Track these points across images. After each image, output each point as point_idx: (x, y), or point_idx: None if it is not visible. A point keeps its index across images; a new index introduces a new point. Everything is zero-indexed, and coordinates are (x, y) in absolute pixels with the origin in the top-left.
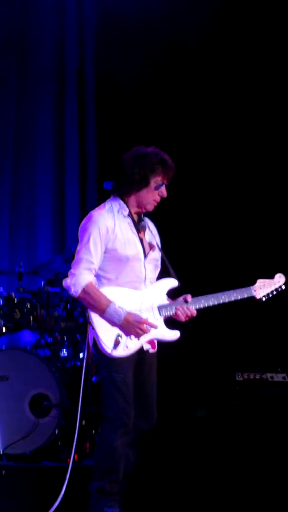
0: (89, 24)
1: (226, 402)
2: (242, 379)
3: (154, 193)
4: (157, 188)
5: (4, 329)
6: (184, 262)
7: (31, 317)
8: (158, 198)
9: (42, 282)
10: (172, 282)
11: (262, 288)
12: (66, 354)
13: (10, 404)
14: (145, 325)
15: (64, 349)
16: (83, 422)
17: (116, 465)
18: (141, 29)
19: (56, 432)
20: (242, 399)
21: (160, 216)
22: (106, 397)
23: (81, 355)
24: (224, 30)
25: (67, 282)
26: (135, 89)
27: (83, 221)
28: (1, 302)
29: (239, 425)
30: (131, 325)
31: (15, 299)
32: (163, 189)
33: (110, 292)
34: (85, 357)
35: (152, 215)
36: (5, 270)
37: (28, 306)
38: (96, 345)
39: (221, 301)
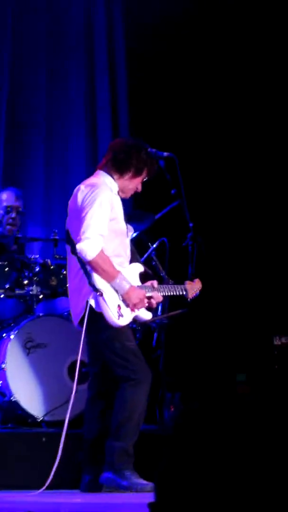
0: None
1: (265, 366)
2: (280, 343)
3: (137, 185)
4: (142, 181)
5: (41, 296)
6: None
7: (67, 284)
8: (135, 190)
9: None
10: (140, 267)
11: (190, 291)
12: None
13: (49, 371)
14: (145, 299)
15: None
16: None
17: (139, 424)
18: None
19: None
20: (281, 363)
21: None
22: (127, 365)
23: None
24: None
25: (81, 246)
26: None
27: (87, 188)
28: (37, 269)
29: (279, 388)
30: (134, 298)
31: (51, 266)
32: (140, 184)
33: None
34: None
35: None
36: (41, 237)
37: (65, 273)
38: (98, 318)
39: (167, 293)
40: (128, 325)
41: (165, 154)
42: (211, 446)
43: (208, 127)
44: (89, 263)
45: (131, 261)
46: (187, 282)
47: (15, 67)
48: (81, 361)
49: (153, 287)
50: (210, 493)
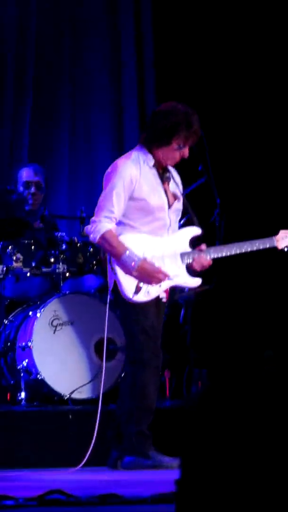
0: None
1: None
2: None
3: (174, 152)
4: (178, 149)
5: (67, 274)
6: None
7: (94, 261)
8: (178, 158)
9: None
10: (195, 230)
11: (285, 239)
12: None
13: (75, 349)
14: (161, 274)
15: None
16: None
17: (152, 407)
18: None
19: (122, 375)
20: None
21: None
22: (135, 343)
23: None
24: None
25: (88, 228)
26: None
27: (108, 170)
28: (64, 247)
29: None
30: (145, 273)
31: (78, 244)
32: (185, 151)
33: (132, 238)
34: (108, 301)
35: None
36: (66, 215)
37: (91, 251)
38: (118, 291)
39: (243, 250)
40: (151, 301)
41: None
42: (235, 421)
43: (237, 102)
44: (96, 244)
45: (189, 219)
46: (281, 231)
47: (38, 48)
48: (108, 338)
49: (200, 250)
50: (235, 469)
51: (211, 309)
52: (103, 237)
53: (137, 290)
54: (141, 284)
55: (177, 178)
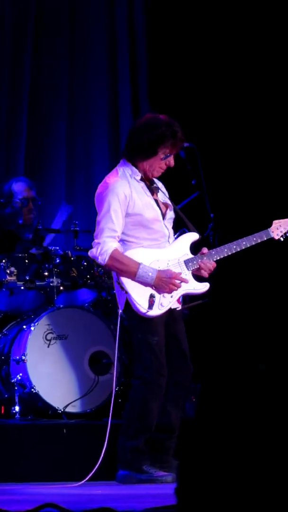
0: None
1: (286, 356)
2: None
3: (161, 163)
4: (164, 158)
5: (61, 288)
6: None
7: (88, 275)
8: (164, 167)
9: None
10: (193, 236)
11: (279, 228)
12: None
13: (69, 363)
14: (177, 280)
15: None
16: None
17: (151, 425)
18: None
19: (116, 389)
20: None
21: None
22: (141, 360)
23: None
24: None
25: (92, 252)
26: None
27: (99, 190)
28: (58, 260)
29: None
30: (164, 282)
31: (72, 258)
32: (170, 159)
33: (137, 254)
34: (118, 320)
35: None
36: (61, 229)
37: (85, 264)
38: (129, 308)
39: (242, 247)
40: (160, 318)
41: (186, 144)
42: (230, 434)
43: (231, 117)
44: (105, 266)
45: (184, 232)
46: (274, 221)
47: (35, 65)
48: (102, 352)
49: (202, 254)
50: (229, 482)
51: (205, 324)
52: (112, 257)
53: (151, 304)
54: (154, 299)
55: (162, 188)
